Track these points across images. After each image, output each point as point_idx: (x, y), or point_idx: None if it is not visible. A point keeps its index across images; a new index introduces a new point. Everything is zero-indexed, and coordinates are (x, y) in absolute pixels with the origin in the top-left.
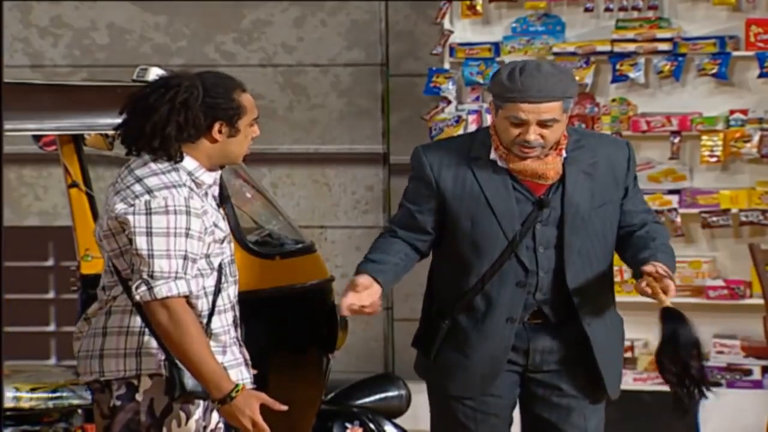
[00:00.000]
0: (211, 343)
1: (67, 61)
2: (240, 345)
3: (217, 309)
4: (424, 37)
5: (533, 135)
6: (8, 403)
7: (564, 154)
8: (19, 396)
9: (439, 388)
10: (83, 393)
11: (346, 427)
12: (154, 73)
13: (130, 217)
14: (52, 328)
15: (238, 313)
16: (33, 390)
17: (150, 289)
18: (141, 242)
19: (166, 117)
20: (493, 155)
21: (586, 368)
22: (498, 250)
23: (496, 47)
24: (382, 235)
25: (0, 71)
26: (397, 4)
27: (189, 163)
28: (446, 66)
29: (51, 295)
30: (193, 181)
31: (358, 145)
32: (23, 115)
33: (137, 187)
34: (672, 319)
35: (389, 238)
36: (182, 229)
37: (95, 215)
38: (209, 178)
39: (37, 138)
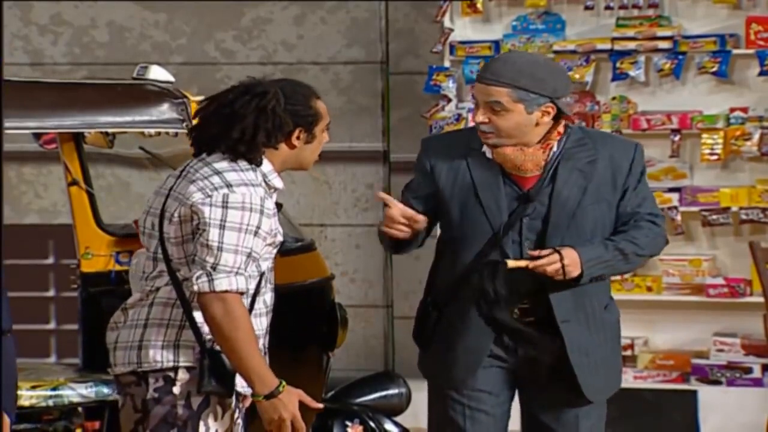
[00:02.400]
0: None
1: (67, 59)
2: (265, 353)
3: (254, 312)
4: (424, 35)
5: (481, 116)
6: None
7: (555, 148)
8: (18, 394)
9: (431, 381)
10: (83, 391)
11: (347, 425)
12: (154, 71)
13: (206, 209)
14: (52, 326)
15: (269, 322)
16: (33, 388)
17: (211, 280)
18: (213, 234)
19: (254, 123)
20: (484, 147)
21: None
22: (484, 242)
23: (497, 45)
24: None
25: (0, 70)
26: (397, 2)
27: (265, 165)
28: (446, 64)
29: (51, 293)
30: (266, 183)
31: (358, 143)
32: (23, 113)
33: (216, 179)
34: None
35: None
36: (253, 227)
37: (95, 213)
38: (279, 183)
39: (37, 136)
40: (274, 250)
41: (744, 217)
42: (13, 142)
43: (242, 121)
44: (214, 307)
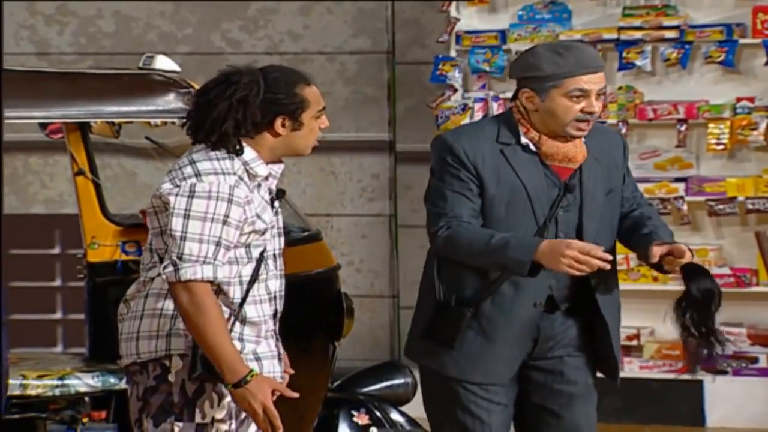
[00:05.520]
0: (246, 330)
1: (73, 49)
2: (276, 339)
3: (252, 298)
4: (431, 24)
5: (597, 106)
6: (15, 391)
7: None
8: (25, 383)
9: (445, 376)
10: (90, 380)
11: (353, 415)
12: (160, 61)
13: (172, 198)
14: (58, 315)
15: (280, 307)
16: (40, 377)
17: (176, 270)
18: (177, 223)
19: (225, 114)
20: (524, 140)
21: (589, 354)
22: (528, 235)
23: (503, 35)
24: (463, 226)
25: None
26: None
27: (248, 153)
28: (452, 54)
29: (57, 282)
30: (247, 171)
31: (364, 133)
32: (29, 103)
33: (188, 169)
34: (692, 273)
35: (474, 226)
36: (220, 216)
37: (101, 203)
38: (264, 170)
39: (43, 126)
40: (267, 236)
41: (750, 206)
42: (19, 132)
43: (213, 111)
44: (181, 296)
